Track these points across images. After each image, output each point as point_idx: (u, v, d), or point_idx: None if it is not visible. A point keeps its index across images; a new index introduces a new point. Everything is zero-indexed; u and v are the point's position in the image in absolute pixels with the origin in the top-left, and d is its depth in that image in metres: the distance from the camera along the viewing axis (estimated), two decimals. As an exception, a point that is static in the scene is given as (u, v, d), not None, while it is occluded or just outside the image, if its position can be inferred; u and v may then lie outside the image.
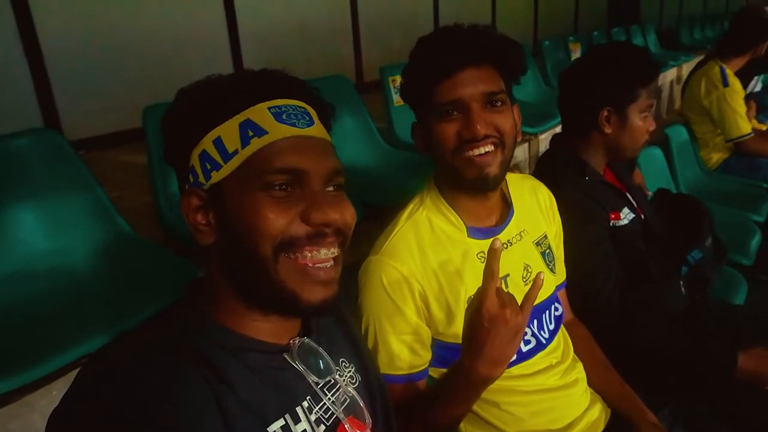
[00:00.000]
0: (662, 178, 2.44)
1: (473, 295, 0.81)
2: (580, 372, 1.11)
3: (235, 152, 0.63)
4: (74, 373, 0.56)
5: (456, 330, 0.95)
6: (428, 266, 0.94)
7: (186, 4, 3.68)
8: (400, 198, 1.07)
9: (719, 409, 1.10)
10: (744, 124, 2.77)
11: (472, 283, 0.97)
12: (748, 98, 3.07)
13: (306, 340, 0.72)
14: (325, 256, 0.65)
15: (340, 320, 0.85)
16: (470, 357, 0.79)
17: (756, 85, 3.56)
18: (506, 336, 0.77)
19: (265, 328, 0.67)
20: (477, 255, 0.99)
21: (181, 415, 0.55)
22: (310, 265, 0.64)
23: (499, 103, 0.94)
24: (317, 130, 0.68)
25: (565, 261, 1.20)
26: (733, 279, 1.87)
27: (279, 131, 0.64)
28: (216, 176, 0.64)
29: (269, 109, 0.65)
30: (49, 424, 0.54)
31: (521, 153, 2.95)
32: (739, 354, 1.19)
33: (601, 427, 1.06)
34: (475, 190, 0.97)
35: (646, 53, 1.39)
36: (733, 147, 2.84)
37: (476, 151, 0.92)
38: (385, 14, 4.99)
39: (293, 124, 0.65)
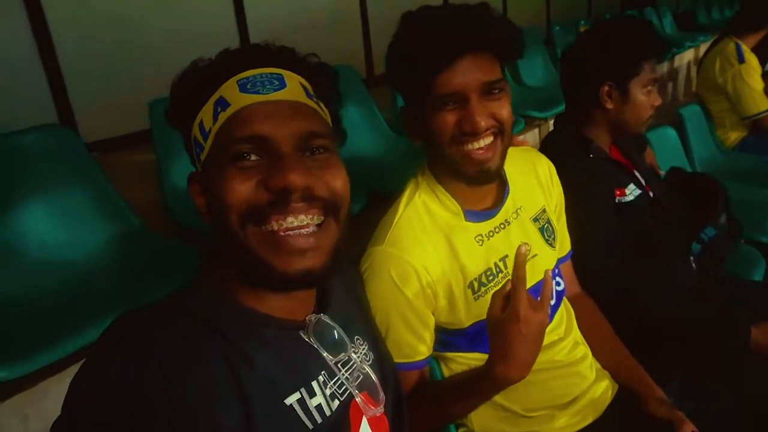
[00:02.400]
0: (676, 157, 2.40)
1: (493, 303, 0.79)
2: (585, 347, 1.10)
3: (209, 130, 0.64)
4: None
5: (456, 316, 0.95)
6: (431, 253, 0.93)
7: (196, 1, 3.73)
8: (406, 184, 1.05)
9: (728, 384, 1.08)
10: (762, 100, 2.70)
11: (471, 267, 0.96)
12: (766, 75, 2.99)
13: (322, 316, 0.71)
14: (294, 224, 0.62)
15: (356, 298, 0.85)
16: (503, 365, 0.76)
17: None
18: (536, 338, 0.76)
19: (280, 306, 0.67)
20: (475, 238, 0.98)
21: (198, 391, 0.55)
22: (281, 233, 0.61)
23: (497, 91, 0.89)
24: (288, 93, 0.65)
25: (571, 237, 1.18)
26: (750, 256, 1.83)
27: (241, 101, 0.63)
28: (203, 158, 0.65)
29: (237, 81, 0.64)
30: (68, 396, 0.55)
31: (531, 138, 2.92)
32: (752, 328, 1.16)
33: (608, 401, 1.05)
34: (475, 183, 0.95)
35: (649, 26, 1.36)
36: (751, 125, 2.77)
37: (476, 145, 0.89)
38: (393, 7, 4.98)
39: (257, 92, 0.63)
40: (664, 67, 4.58)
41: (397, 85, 0.96)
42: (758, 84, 2.71)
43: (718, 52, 2.81)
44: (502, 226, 1.01)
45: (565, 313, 1.10)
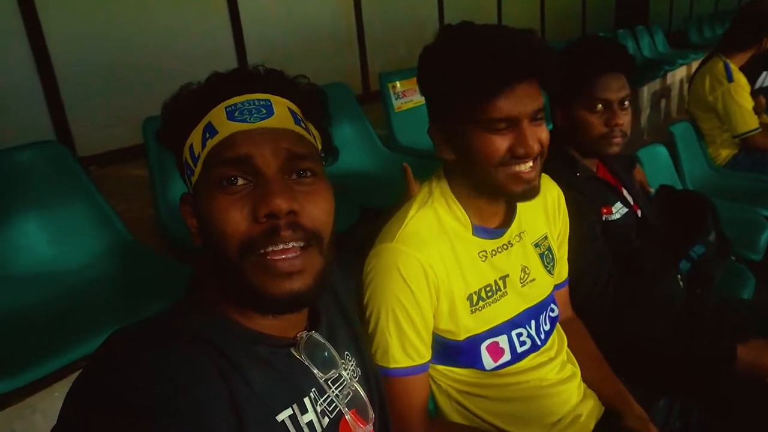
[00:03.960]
0: (668, 175, 2.42)
1: None
2: (574, 365, 1.11)
3: (198, 156, 0.66)
4: (75, 375, 0.56)
5: (455, 324, 0.96)
6: (437, 256, 0.94)
7: (192, 18, 3.76)
8: (399, 200, 1.06)
9: (714, 403, 1.09)
10: (751, 119, 2.73)
11: (472, 280, 0.97)
12: (757, 93, 3.03)
13: (313, 334, 0.72)
14: (280, 247, 0.62)
15: (344, 313, 0.85)
16: None
17: (765, 79, 3.52)
18: None
19: (271, 324, 0.68)
20: (479, 253, 0.99)
21: (193, 404, 0.55)
22: (269, 258, 0.62)
23: (540, 117, 0.91)
24: (275, 120, 0.66)
25: None
26: (741, 274, 1.84)
27: (228, 129, 0.64)
28: (194, 181, 0.67)
29: (226, 108, 0.65)
30: (63, 407, 0.55)
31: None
32: (739, 346, 1.17)
33: (594, 421, 1.06)
34: (520, 200, 0.97)
35: (604, 44, 1.33)
36: (741, 143, 2.81)
37: (524, 167, 0.91)
38: (389, 23, 5.04)
39: (244, 120, 0.65)
40: (656, 85, 4.63)
41: (437, 99, 0.95)
42: (747, 102, 2.75)
43: (708, 70, 2.85)
44: (506, 246, 1.02)
45: (557, 336, 1.11)
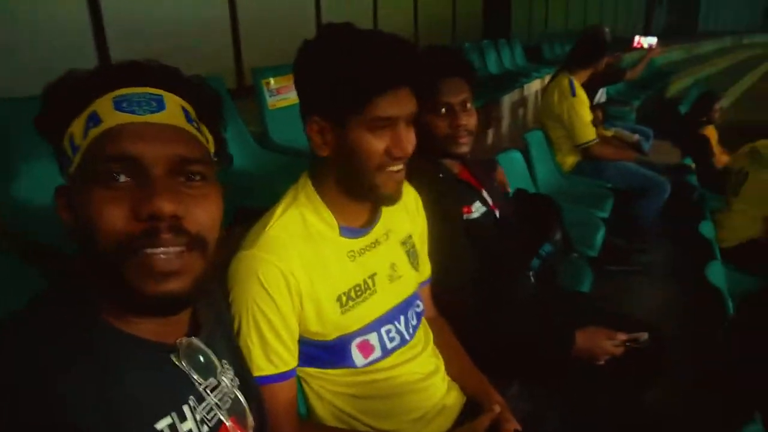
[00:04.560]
0: (523, 178, 2.67)
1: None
2: (439, 359, 1.18)
3: (79, 146, 0.62)
4: None
5: (324, 327, 0.97)
6: (301, 262, 0.94)
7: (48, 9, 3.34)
8: (275, 200, 1.04)
9: (557, 385, 1.22)
10: (589, 130, 3.10)
11: (341, 281, 0.99)
12: (595, 108, 3.45)
13: (193, 339, 0.70)
14: (161, 251, 0.60)
15: (220, 319, 0.83)
16: None
17: (601, 96, 4.02)
18: None
19: (150, 328, 0.65)
20: (347, 254, 1.01)
21: (62, 408, 0.53)
22: (146, 259, 0.60)
23: (411, 121, 0.97)
24: (165, 116, 0.63)
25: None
26: (580, 269, 2.08)
27: (114, 119, 0.61)
28: (71, 172, 0.63)
29: (113, 99, 0.62)
30: None
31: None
32: (577, 333, 1.33)
33: (457, 412, 1.14)
34: (388, 203, 1.00)
35: (444, 52, 1.41)
36: (582, 152, 3.17)
37: (397, 167, 0.95)
38: (265, 16, 4.90)
39: (132, 111, 0.62)
40: (515, 95, 5.06)
41: (317, 95, 0.94)
42: (587, 116, 3.11)
43: (556, 85, 3.18)
44: (373, 245, 1.06)
45: (423, 331, 1.17)
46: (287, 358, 0.94)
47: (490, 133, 4.47)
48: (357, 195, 1.00)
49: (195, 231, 0.63)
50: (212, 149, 0.71)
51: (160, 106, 0.64)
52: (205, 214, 0.64)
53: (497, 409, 1.05)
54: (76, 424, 0.53)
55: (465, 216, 1.41)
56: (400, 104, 0.92)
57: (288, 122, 2.64)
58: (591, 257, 2.36)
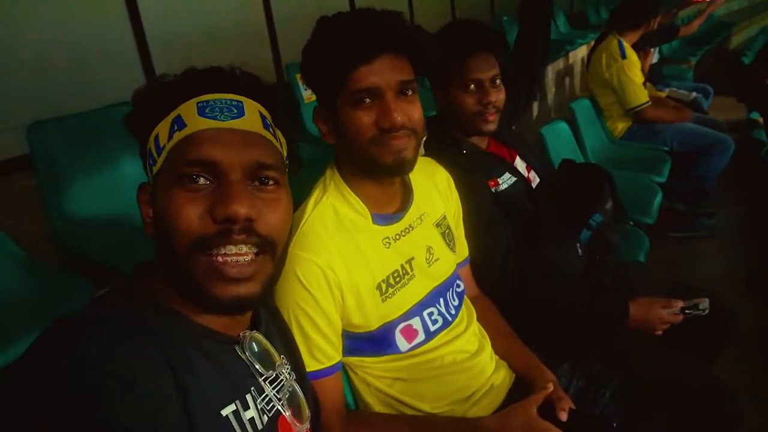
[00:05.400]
0: (570, 149, 2.56)
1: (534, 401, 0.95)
2: (485, 338, 1.15)
3: (163, 147, 0.66)
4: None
5: (366, 318, 0.96)
6: (338, 254, 0.94)
7: (86, 14, 3.49)
8: (308, 189, 1.05)
9: (612, 360, 1.16)
10: (641, 93, 2.93)
11: (379, 269, 0.98)
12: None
13: (255, 333, 0.73)
14: (233, 251, 0.64)
15: (275, 315, 0.86)
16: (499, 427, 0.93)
17: (654, 56, 3.79)
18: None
19: (216, 319, 0.68)
20: (382, 241, 1.00)
21: (143, 391, 0.54)
22: (220, 260, 0.63)
23: (410, 92, 0.93)
24: (245, 122, 0.67)
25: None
26: (636, 239, 1.98)
27: (197, 124, 0.65)
28: (155, 171, 0.67)
29: (197, 104, 0.66)
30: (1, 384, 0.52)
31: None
32: (630, 304, 1.26)
33: (506, 390, 1.11)
34: (391, 174, 0.97)
35: (471, 26, 1.38)
36: (634, 116, 3.01)
37: (394, 139, 0.92)
38: (300, 14, 4.93)
39: (214, 117, 0.65)
40: (560, 64, 4.86)
41: (311, 81, 0.96)
42: (639, 78, 2.95)
43: (603, 48, 3.03)
44: (408, 230, 1.04)
45: (465, 310, 1.14)
46: (331, 353, 0.94)
47: (536, 105, 4.31)
48: (367, 173, 0.98)
49: (266, 233, 0.66)
50: (285, 153, 0.74)
51: (240, 112, 0.67)
52: (275, 218, 0.68)
53: (550, 387, 1.01)
54: (153, 412, 0.54)
55: (494, 189, 1.37)
56: (381, 73, 0.89)
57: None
58: (648, 224, 2.24)
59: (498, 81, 1.35)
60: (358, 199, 0.99)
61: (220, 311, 0.67)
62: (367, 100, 0.91)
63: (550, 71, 4.61)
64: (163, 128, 0.67)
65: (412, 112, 0.93)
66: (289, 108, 0.78)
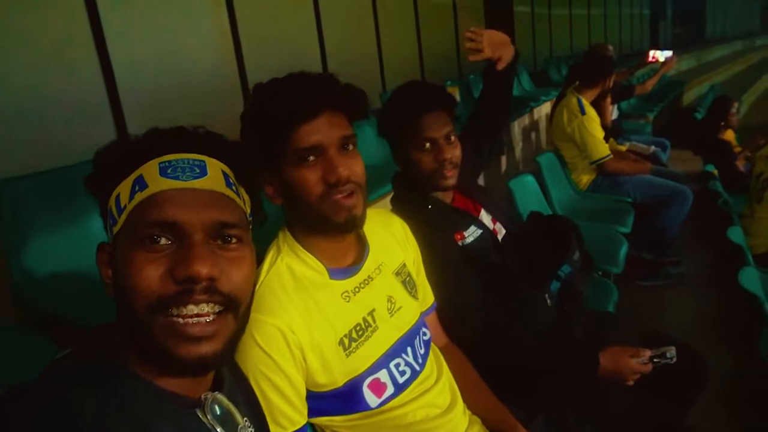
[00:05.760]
0: (537, 201, 2.63)
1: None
2: (456, 391, 1.13)
3: (124, 207, 0.65)
4: None
5: (331, 376, 0.94)
6: (297, 314, 0.92)
7: (57, 69, 3.49)
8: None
9: (586, 411, 1.16)
10: (602, 147, 3.06)
11: (340, 324, 0.97)
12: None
13: (218, 395, 0.71)
14: (194, 311, 0.63)
15: (241, 378, 0.84)
16: None
17: (613, 112, 3.99)
18: None
19: (177, 382, 0.66)
20: (342, 295, 0.99)
21: None
22: (180, 321, 0.63)
23: (351, 147, 0.95)
24: (207, 182, 0.67)
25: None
26: (604, 288, 2.02)
27: (159, 184, 0.65)
28: (115, 231, 0.66)
29: (159, 164, 0.66)
30: None
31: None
32: (600, 354, 1.27)
33: None
34: (343, 231, 0.98)
35: (421, 87, 1.42)
36: (597, 168, 3.12)
37: (342, 194, 0.93)
38: (272, 67, 5.04)
39: (176, 178, 0.66)
40: (525, 120, 5.05)
41: (252, 146, 0.95)
42: (599, 132, 3.08)
43: (564, 105, 3.17)
44: (366, 281, 1.04)
45: (434, 359, 1.13)
46: (295, 418, 0.91)
47: (503, 159, 4.45)
48: (319, 230, 0.98)
49: (228, 291, 0.66)
50: (248, 210, 0.75)
51: (203, 171, 0.68)
52: (239, 276, 0.67)
53: None
54: None
55: (460, 242, 1.38)
56: (323, 131, 0.92)
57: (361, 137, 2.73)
58: (616, 274, 2.29)
59: (452, 137, 1.37)
60: (312, 256, 0.99)
61: (183, 372, 0.65)
62: (311, 157, 0.92)
63: (517, 126, 4.79)
64: (124, 188, 0.66)
65: (354, 166, 0.95)
66: (253, 165, 0.77)
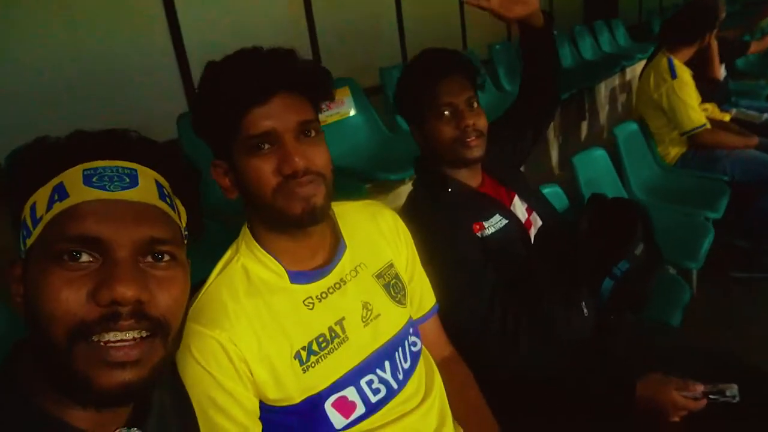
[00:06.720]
0: (607, 180, 2.31)
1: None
2: (446, 414, 0.98)
3: (41, 218, 0.58)
4: None
5: (285, 391, 0.83)
6: (246, 323, 0.82)
7: (128, 35, 3.60)
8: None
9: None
10: (696, 115, 2.64)
11: (297, 335, 0.85)
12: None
13: (134, 430, 0.64)
14: (118, 337, 0.56)
15: (184, 396, 0.77)
16: None
17: (721, 72, 3.43)
18: None
19: (86, 415, 0.59)
20: (304, 302, 0.87)
21: None
22: (102, 344, 0.56)
23: (313, 133, 0.84)
24: (138, 193, 0.60)
25: (434, 290, 1.08)
26: (674, 290, 1.70)
27: (82, 194, 0.58)
28: (28, 244, 0.59)
29: (84, 171, 0.59)
30: None
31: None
32: (638, 383, 1.06)
33: None
34: (301, 226, 0.85)
35: (435, 53, 1.29)
36: (689, 140, 2.72)
37: (300, 186, 0.82)
38: (344, 31, 4.90)
39: (102, 187, 0.59)
40: (614, 81, 4.54)
41: (202, 131, 0.87)
42: (692, 99, 2.66)
43: (653, 67, 2.77)
44: (338, 286, 0.91)
45: (425, 375, 0.98)
46: None
47: (584, 125, 4.03)
48: (277, 227, 0.87)
49: (157, 315, 0.59)
50: (183, 224, 0.68)
51: (133, 182, 0.61)
52: (169, 298, 0.60)
53: None
54: None
55: (479, 233, 1.21)
56: (277, 115, 0.81)
57: (338, 139, 2.74)
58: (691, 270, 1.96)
59: (475, 104, 1.24)
60: (270, 257, 0.87)
61: (103, 402, 0.57)
62: (266, 146, 0.81)
63: (603, 87, 4.31)
64: (41, 197, 0.59)
65: (314, 155, 0.83)
66: (191, 175, 0.70)
